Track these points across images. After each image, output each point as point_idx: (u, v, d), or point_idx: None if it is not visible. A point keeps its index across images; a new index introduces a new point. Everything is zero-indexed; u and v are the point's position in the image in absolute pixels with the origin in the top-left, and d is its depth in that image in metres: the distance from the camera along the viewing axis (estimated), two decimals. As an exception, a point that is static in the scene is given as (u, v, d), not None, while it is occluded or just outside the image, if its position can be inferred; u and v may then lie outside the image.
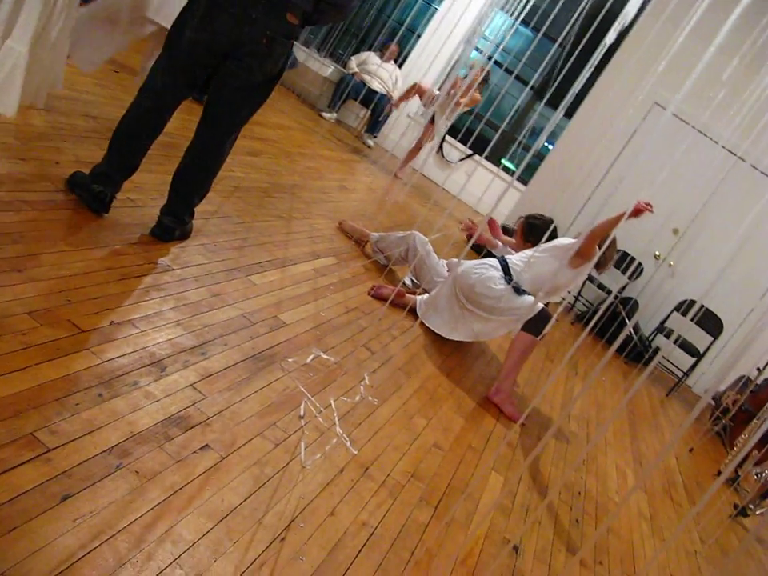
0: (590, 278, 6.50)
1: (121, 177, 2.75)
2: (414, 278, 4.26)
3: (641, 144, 6.93)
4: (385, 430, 2.52)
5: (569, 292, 6.74)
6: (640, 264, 6.84)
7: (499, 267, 3.67)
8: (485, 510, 2.48)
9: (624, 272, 6.82)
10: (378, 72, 8.64)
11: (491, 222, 4.67)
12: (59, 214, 2.50)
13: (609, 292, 6.77)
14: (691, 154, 6.44)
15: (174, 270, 2.63)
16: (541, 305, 3.54)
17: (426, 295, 3.87)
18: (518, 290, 3.58)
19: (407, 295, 3.83)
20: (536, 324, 3.46)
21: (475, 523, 2.37)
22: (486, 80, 7.47)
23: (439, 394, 3.12)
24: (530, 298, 3.57)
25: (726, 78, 5.07)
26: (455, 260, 3.99)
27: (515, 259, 3.73)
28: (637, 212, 3.34)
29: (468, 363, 3.71)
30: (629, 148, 6.99)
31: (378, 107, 8.54)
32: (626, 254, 6.77)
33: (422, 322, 3.72)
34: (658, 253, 6.99)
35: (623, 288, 6.79)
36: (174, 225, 2.80)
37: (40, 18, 2.84)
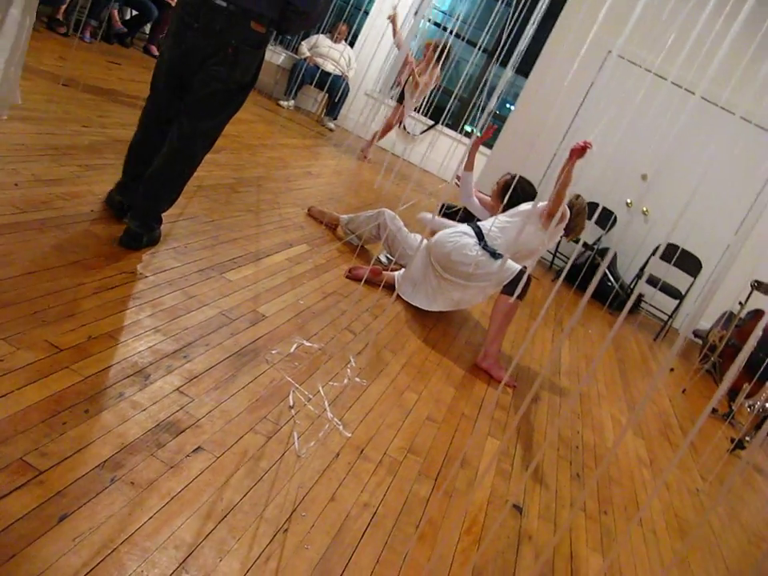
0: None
1: (134, 185, 2.89)
2: (388, 255, 4.26)
3: (601, 94, 6.94)
4: (376, 410, 2.53)
5: (548, 251, 6.77)
6: (613, 213, 6.87)
7: (473, 234, 3.67)
8: (484, 476, 2.50)
9: (598, 223, 6.85)
10: (330, 53, 8.60)
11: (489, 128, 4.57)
12: (24, 236, 2.47)
13: (585, 244, 6.80)
14: (651, 99, 6.46)
15: (146, 276, 2.61)
16: (518, 266, 3.55)
17: (403, 270, 3.87)
18: (494, 255, 3.58)
19: (384, 272, 3.83)
20: (516, 286, 3.47)
21: (476, 490, 2.39)
22: (447, 56, 7.39)
23: (427, 367, 3.13)
24: (507, 261, 3.57)
25: (671, 14, 5.08)
26: (424, 214, 3.99)
27: (488, 225, 3.74)
28: (573, 153, 3.37)
29: (452, 332, 3.73)
30: (589, 100, 7.00)
31: (334, 89, 8.49)
32: (597, 205, 6.78)
33: (401, 298, 3.73)
34: (629, 200, 7.03)
35: (599, 239, 6.82)
36: (141, 231, 2.78)
37: (17, 35, 2.80)
